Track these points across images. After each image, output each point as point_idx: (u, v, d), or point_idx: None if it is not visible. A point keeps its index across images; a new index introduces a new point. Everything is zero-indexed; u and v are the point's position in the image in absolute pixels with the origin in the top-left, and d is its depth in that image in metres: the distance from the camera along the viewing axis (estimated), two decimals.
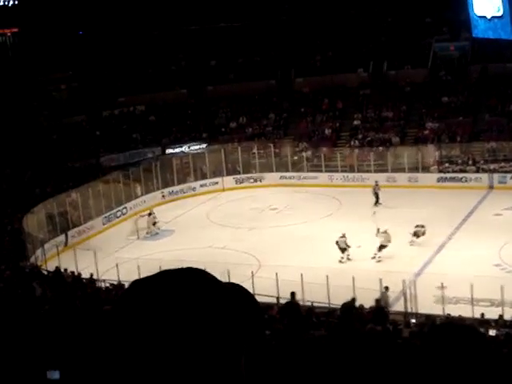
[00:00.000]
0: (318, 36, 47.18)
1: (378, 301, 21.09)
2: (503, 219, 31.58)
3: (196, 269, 1.54)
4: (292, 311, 18.65)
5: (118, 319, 1.44)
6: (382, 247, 27.65)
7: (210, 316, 1.41)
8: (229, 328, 1.42)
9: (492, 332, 18.02)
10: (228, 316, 1.43)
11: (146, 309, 1.42)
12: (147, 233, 33.90)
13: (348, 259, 27.78)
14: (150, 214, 34.51)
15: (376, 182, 36.35)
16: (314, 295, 21.70)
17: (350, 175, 39.96)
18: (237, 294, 1.49)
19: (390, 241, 27.63)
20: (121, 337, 1.41)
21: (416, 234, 28.83)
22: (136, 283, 1.51)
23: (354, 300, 20.72)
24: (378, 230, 27.85)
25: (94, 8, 45.77)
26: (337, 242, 27.96)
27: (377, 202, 35.39)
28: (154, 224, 34.18)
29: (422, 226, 28.97)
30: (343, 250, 27.82)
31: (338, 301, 21.78)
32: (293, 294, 20.16)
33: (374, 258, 27.49)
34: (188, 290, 1.45)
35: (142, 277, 1.52)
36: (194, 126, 44.96)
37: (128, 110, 45.41)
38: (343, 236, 27.92)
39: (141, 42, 46.83)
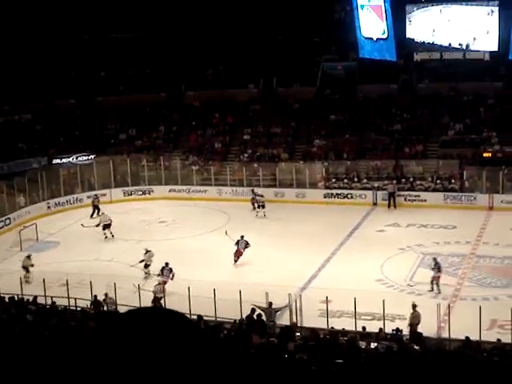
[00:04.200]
0: (210, 50, 47.39)
1: (253, 310, 21.47)
2: (386, 235, 32.58)
3: (175, 312, 1.58)
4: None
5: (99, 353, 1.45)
6: (146, 266, 28.61)
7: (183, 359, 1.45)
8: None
9: (373, 345, 18.55)
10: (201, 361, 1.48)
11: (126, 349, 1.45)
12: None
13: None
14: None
15: (96, 195, 38.41)
16: (202, 309, 21.71)
17: (239, 189, 40.26)
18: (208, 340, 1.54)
19: (151, 259, 28.68)
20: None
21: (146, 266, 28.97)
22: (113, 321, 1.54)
23: (253, 310, 21.10)
24: (146, 250, 28.93)
25: None
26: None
27: (92, 215, 36.99)
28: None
29: (148, 251, 28.79)
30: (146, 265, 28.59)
31: (225, 315, 21.94)
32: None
33: (132, 266, 28.43)
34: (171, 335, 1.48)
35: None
36: (83, 137, 44.24)
37: (13, 119, 44.22)
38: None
39: (28, 50, 45.68)
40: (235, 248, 29.49)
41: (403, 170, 39.33)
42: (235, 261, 29.51)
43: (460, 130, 41.06)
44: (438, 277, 25.62)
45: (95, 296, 23.66)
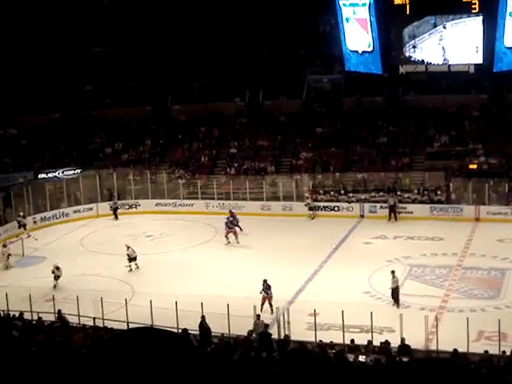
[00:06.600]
0: (196, 64, 47.45)
1: (266, 326, 21.39)
2: (373, 248, 32.59)
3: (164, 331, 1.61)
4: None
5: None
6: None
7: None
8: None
9: (362, 358, 18.48)
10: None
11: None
12: (6, 266, 32.03)
13: (137, 267, 30.43)
14: (4, 246, 32.67)
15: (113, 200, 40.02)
16: (189, 322, 21.60)
17: (226, 203, 40.19)
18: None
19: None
20: None
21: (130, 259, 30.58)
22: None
23: (267, 326, 21.17)
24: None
25: None
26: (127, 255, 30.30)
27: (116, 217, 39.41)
28: (8, 257, 32.23)
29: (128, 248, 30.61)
30: (132, 259, 30.34)
31: (212, 328, 21.82)
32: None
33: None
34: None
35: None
36: (68, 151, 44.09)
37: None
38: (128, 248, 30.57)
39: (13, 64, 45.56)
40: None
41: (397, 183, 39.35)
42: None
43: (445, 142, 41.20)
44: (265, 298, 25.16)
45: (59, 310, 23.55)
